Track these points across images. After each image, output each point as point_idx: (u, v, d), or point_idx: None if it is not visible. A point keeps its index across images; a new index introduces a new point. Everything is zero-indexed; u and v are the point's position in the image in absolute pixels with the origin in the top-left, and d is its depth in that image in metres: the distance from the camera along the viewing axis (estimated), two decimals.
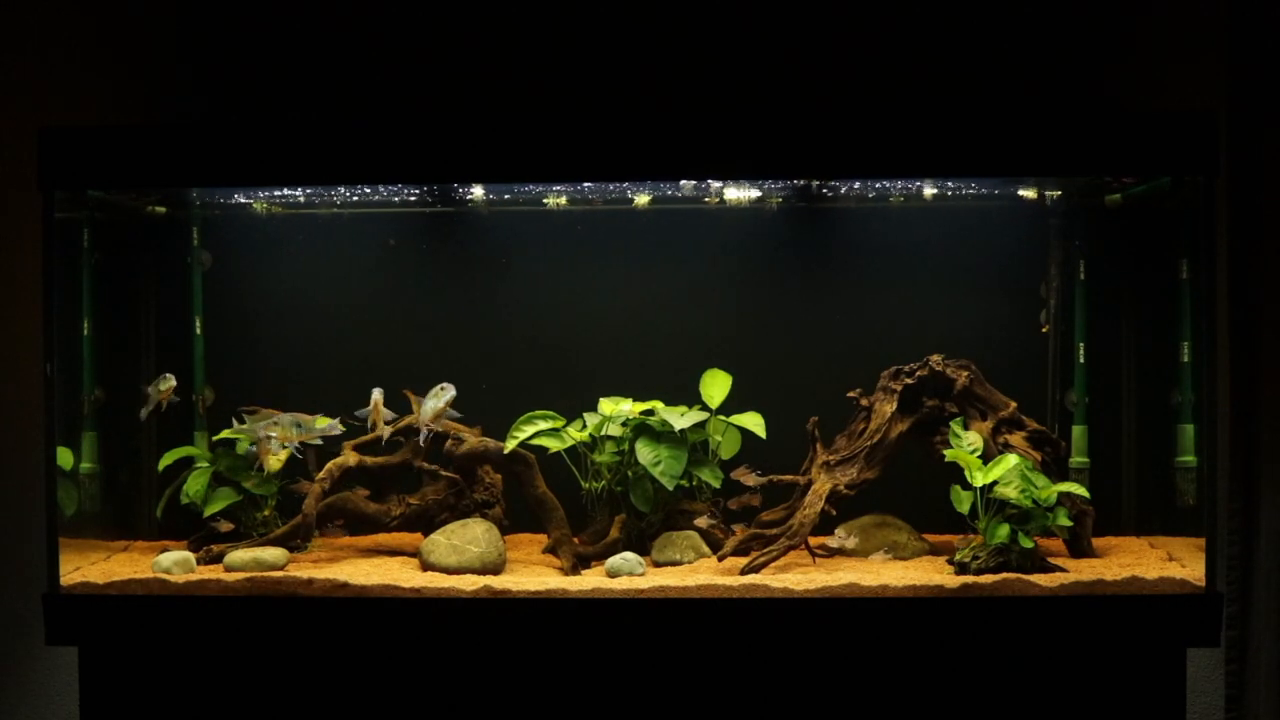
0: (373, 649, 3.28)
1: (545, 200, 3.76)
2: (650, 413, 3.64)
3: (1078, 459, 3.75)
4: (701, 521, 3.60)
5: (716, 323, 3.86)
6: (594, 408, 3.71)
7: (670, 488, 3.57)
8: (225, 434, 3.67)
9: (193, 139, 3.33)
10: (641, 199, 3.72)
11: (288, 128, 3.39)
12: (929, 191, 3.69)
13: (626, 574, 3.38)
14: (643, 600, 3.24)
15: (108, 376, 3.70)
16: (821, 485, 3.52)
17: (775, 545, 3.43)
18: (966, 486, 3.40)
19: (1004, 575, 3.26)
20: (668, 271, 3.85)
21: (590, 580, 3.37)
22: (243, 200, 3.77)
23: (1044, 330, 3.81)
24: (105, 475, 3.68)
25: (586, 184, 3.60)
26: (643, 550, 3.55)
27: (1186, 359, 3.52)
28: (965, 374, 3.59)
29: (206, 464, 3.71)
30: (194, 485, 3.65)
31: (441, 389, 3.58)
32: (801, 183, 3.61)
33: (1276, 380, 3.57)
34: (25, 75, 3.84)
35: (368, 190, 3.67)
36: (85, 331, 3.61)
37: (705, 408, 3.67)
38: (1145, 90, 3.72)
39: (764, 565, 3.39)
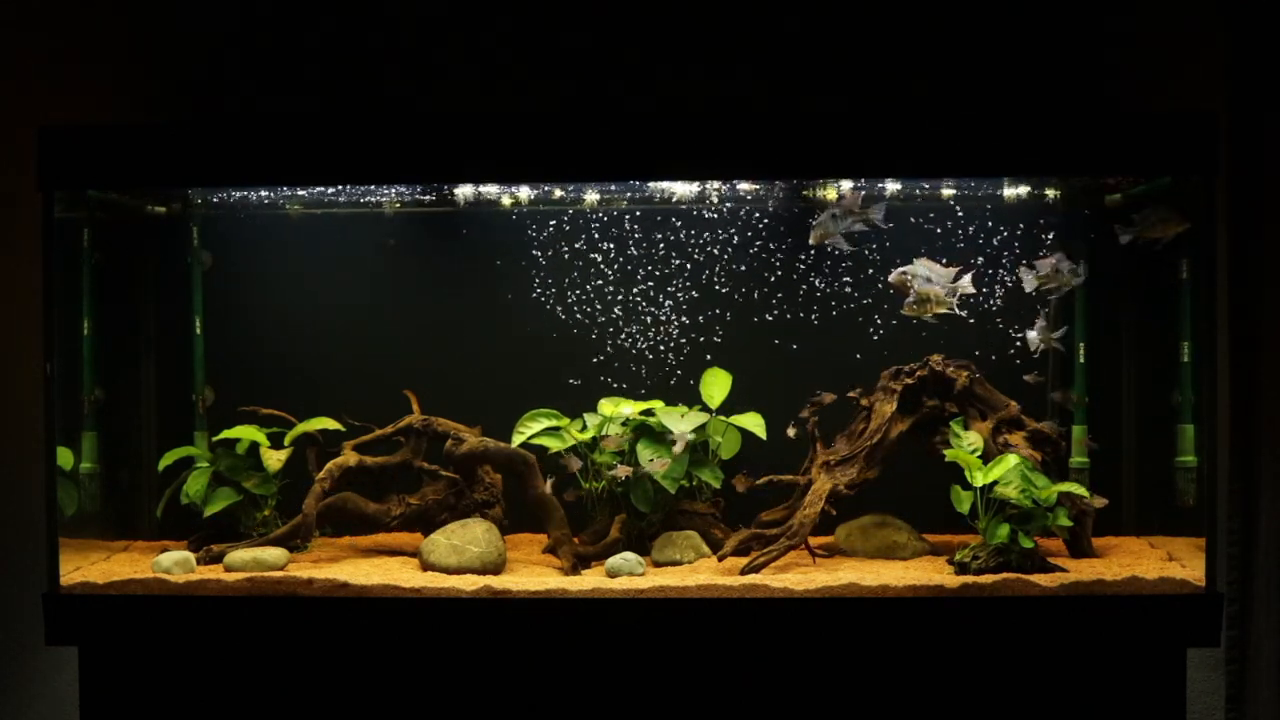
0: (373, 649, 3.28)
1: (546, 200, 3.77)
2: (650, 413, 3.64)
3: (1078, 459, 3.75)
4: (703, 507, 3.62)
5: (716, 322, 3.85)
6: (594, 408, 3.72)
7: (672, 490, 3.58)
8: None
9: (192, 139, 3.33)
10: (638, 198, 3.72)
11: (287, 128, 3.39)
12: (931, 192, 3.69)
13: (626, 574, 3.38)
14: (643, 600, 3.24)
15: (108, 376, 3.71)
16: (821, 485, 3.52)
17: (775, 545, 3.43)
18: (966, 486, 3.40)
19: (1004, 575, 3.26)
20: (668, 271, 3.85)
21: (590, 580, 3.37)
22: (242, 200, 3.77)
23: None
24: (105, 475, 3.69)
25: (587, 185, 3.60)
26: (643, 550, 3.55)
27: (1186, 359, 3.52)
28: (965, 374, 3.59)
29: (206, 464, 3.71)
30: (194, 485, 3.65)
31: None
32: (804, 182, 3.61)
33: (1276, 380, 3.57)
34: (26, 74, 3.83)
35: (367, 190, 3.68)
36: (85, 331, 3.61)
37: (705, 408, 3.67)
38: (1145, 90, 3.72)
39: (764, 565, 3.39)
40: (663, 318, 3.85)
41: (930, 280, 3.39)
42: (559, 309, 3.88)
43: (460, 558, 3.46)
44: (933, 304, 3.36)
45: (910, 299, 3.34)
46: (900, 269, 3.45)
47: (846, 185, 3.39)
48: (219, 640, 3.29)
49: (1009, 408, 3.59)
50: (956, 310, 3.47)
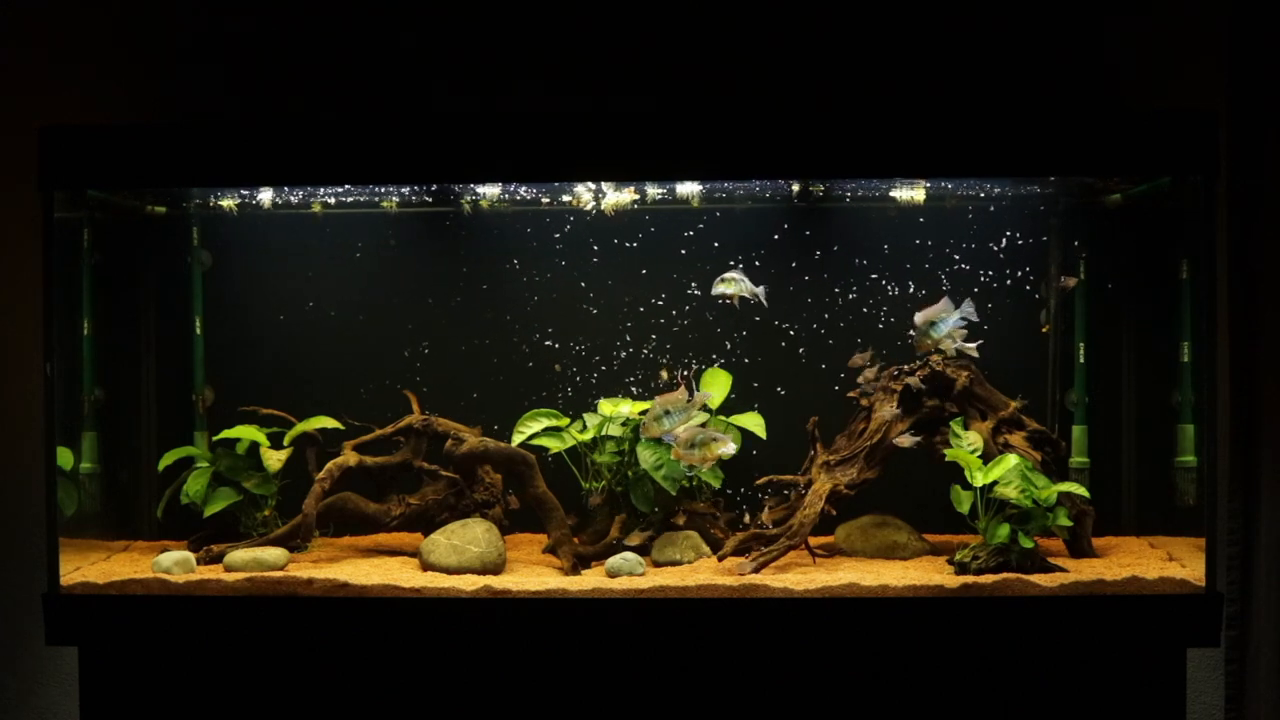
0: (373, 649, 3.28)
1: (545, 201, 3.77)
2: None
3: (1078, 459, 3.75)
4: (703, 507, 3.62)
5: (716, 322, 3.85)
6: (594, 408, 3.72)
7: (673, 491, 3.58)
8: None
9: (193, 139, 3.33)
10: (631, 197, 3.72)
11: (288, 128, 3.39)
12: (929, 192, 3.69)
13: (626, 574, 3.38)
14: (643, 600, 3.24)
15: (108, 376, 3.71)
16: (821, 485, 3.52)
17: (775, 545, 3.43)
18: (966, 486, 3.40)
19: (1004, 575, 3.26)
20: (668, 272, 3.85)
21: (590, 580, 3.37)
22: (242, 200, 3.77)
23: (1044, 330, 3.81)
24: (105, 475, 3.68)
25: (586, 185, 3.61)
26: (643, 550, 3.55)
27: (1186, 359, 3.52)
28: (965, 374, 3.59)
29: (206, 464, 3.71)
30: (194, 485, 3.65)
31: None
32: (802, 182, 3.62)
33: (1276, 380, 3.57)
34: (26, 74, 3.84)
35: (367, 190, 3.68)
36: (85, 331, 3.61)
37: (705, 408, 3.67)
38: (1145, 90, 3.72)
39: (764, 565, 3.39)
40: (663, 318, 3.86)
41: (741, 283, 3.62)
42: (559, 309, 3.88)
43: (460, 558, 3.46)
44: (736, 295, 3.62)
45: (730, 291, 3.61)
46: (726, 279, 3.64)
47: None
48: (219, 640, 3.29)
49: (1009, 407, 3.59)
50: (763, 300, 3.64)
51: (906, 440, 3.52)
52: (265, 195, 3.71)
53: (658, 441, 3.55)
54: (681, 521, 3.60)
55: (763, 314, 3.83)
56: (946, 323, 3.50)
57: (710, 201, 3.79)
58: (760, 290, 3.63)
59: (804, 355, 3.85)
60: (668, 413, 3.45)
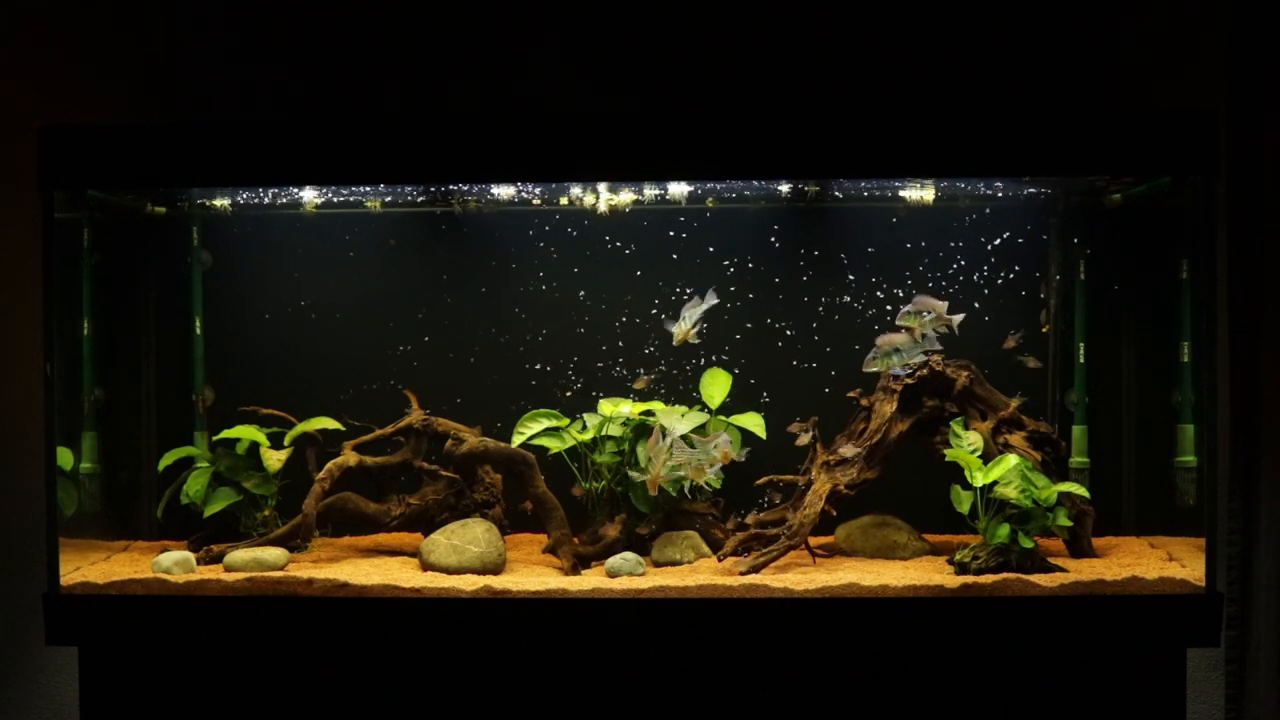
0: (373, 649, 3.28)
1: (540, 201, 3.77)
2: (650, 413, 3.64)
3: (1078, 459, 3.75)
4: (703, 507, 3.62)
5: (717, 323, 3.85)
6: (594, 408, 3.72)
7: (673, 493, 3.58)
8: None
9: (193, 139, 3.33)
10: (631, 197, 3.72)
11: (288, 128, 3.39)
12: (930, 192, 3.69)
13: (626, 574, 3.38)
14: (643, 600, 3.24)
15: (108, 376, 3.70)
16: (821, 485, 3.52)
17: (775, 545, 3.43)
18: (966, 486, 3.40)
19: (1004, 575, 3.26)
20: (667, 272, 3.85)
21: (590, 580, 3.37)
22: (243, 200, 3.77)
23: (1044, 330, 3.81)
24: (105, 475, 3.68)
25: (587, 185, 3.61)
26: (643, 550, 3.55)
27: (1186, 359, 3.52)
28: (965, 374, 3.59)
29: (206, 464, 3.71)
30: (194, 485, 3.65)
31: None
32: (803, 182, 3.62)
33: (1276, 380, 3.57)
34: (26, 74, 3.84)
35: (366, 190, 3.68)
36: (85, 331, 3.61)
37: (705, 408, 3.67)
38: (1145, 90, 3.72)
39: (764, 565, 3.39)
40: (663, 318, 3.86)
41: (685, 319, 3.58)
42: (559, 308, 3.88)
43: (460, 558, 3.46)
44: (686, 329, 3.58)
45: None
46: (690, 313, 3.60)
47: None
48: (219, 640, 3.29)
49: (1009, 407, 3.59)
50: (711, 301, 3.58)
51: (850, 450, 3.51)
52: (264, 195, 3.71)
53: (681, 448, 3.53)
54: (645, 532, 3.59)
55: (762, 315, 3.83)
56: (907, 353, 3.47)
57: (712, 201, 3.79)
58: (709, 293, 3.56)
59: (803, 355, 3.85)
60: (650, 459, 3.45)
